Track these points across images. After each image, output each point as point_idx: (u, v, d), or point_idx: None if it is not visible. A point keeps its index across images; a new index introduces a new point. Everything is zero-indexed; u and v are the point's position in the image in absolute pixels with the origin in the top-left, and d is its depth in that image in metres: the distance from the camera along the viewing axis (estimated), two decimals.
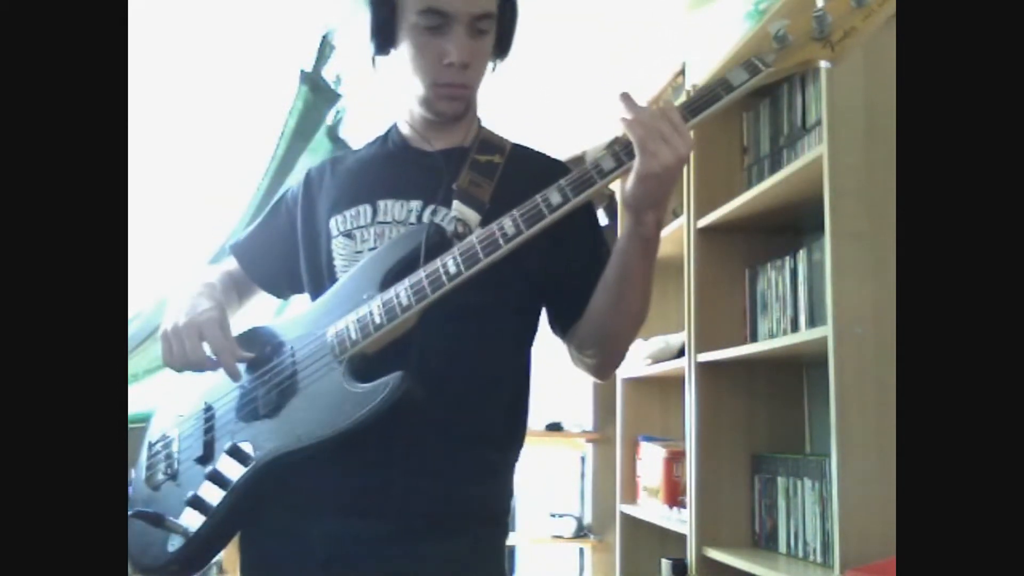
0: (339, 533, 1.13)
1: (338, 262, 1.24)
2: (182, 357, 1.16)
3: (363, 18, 1.23)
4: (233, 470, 1.12)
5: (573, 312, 1.22)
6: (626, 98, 1.06)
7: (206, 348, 1.16)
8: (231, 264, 1.41)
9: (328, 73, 3.15)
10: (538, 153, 1.33)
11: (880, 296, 1.67)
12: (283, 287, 1.39)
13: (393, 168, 1.28)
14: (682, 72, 3.34)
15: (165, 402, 1.35)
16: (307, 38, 2.92)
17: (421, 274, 1.10)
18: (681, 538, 2.38)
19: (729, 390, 2.31)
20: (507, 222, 1.07)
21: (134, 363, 3.04)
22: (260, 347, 1.23)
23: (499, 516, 1.23)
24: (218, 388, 1.23)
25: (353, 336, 1.13)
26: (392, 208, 1.23)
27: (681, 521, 2.42)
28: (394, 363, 1.09)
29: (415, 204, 1.22)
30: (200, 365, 1.16)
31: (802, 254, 2.01)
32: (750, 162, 2.35)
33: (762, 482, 2.20)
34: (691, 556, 2.28)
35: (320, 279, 1.26)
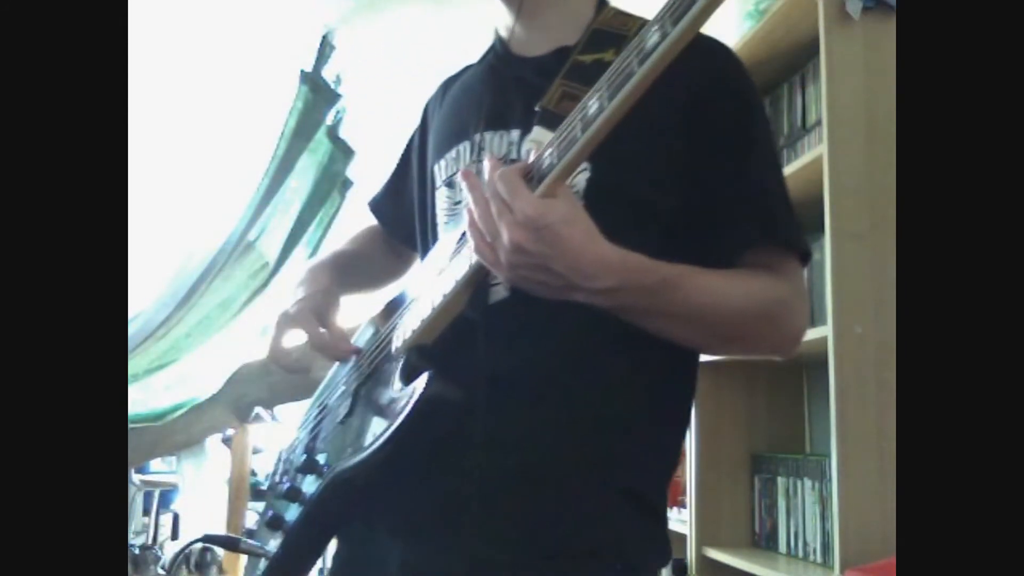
0: (413, 557, 0.90)
1: (440, 219, 1.01)
2: (272, 351, 1.01)
3: None
4: (309, 486, 0.95)
5: (720, 261, 0.89)
6: (467, 177, 0.81)
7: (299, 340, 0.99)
8: None
9: (328, 73, 3.15)
10: None
11: (880, 296, 1.67)
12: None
13: (492, 88, 1.02)
14: None
15: (320, 390, 1.15)
16: (307, 38, 2.92)
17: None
18: (681, 538, 2.37)
19: (729, 390, 2.31)
20: (547, 151, 0.77)
21: (134, 363, 3.04)
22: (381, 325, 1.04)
23: (631, 542, 0.90)
24: (330, 384, 1.07)
25: (412, 325, 0.91)
26: (492, 142, 0.97)
27: (681, 521, 2.42)
28: (460, 357, 0.87)
29: (515, 134, 0.96)
30: (291, 364, 1.00)
31: None
32: None
33: (762, 482, 2.20)
34: (691, 556, 2.27)
35: (427, 243, 1.03)
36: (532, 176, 0.78)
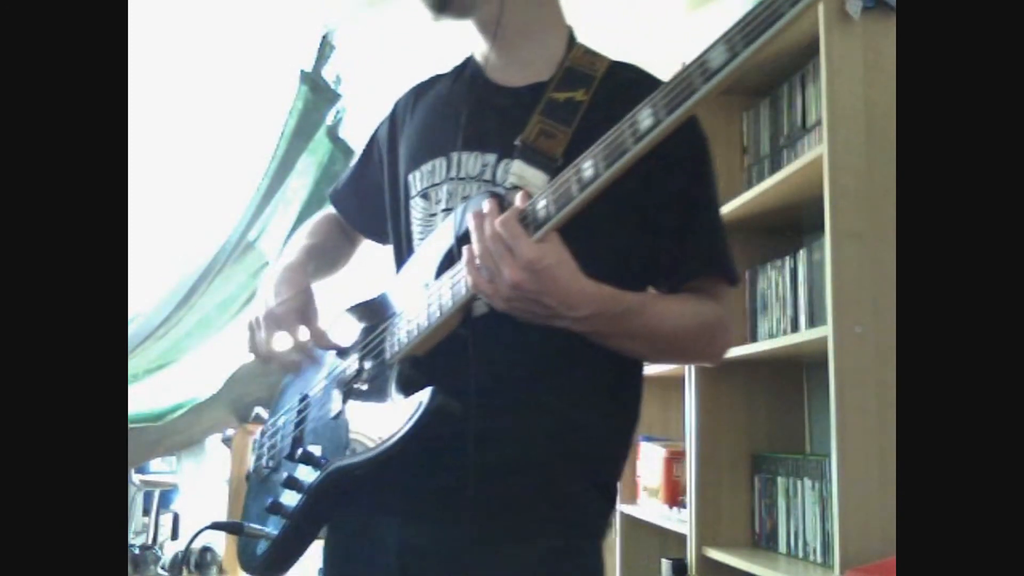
0: (415, 538, 1.02)
1: (415, 227, 1.10)
2: (261, 350, 1.10)
3: None
4: (307, 475, 1.05)
5: (669, 286, 1.04)
6: (476, 217, 0.90)
7: (286, 340, 1.09)
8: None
9: (328, 73, 3.15)
10: (641, 76, 1.09)
11: (880, 296, 1.67)
12: (386, 234, 1.23)
13: (468, 110, 1.09)
14: None
15: (293, 381, 1.25)
16: (307, 38, 2.92)
17: (463, 263, 0.93)
18: (681, 538, 2.37)
19: (729, 390, 2.31)
20: (542, 201, 0.88)
21: (134, 363, 3.05)
22: (365, 324, 1.12)
23: (592, 519, 1.06)
24: (314, 376, 1.16)
25: (401, 337, 1.01)
26: (467, 162, 1.06)
27: (681, 521, 2.42)
28: (448, 367, 0.98)
29: (490, 157, 1.05)
30: (277, 359, 1.09)
31: (802, 254, 2.01)
32: (750, 162, 2.35)
33: (762, 482, 2.20)
34: (691, 556, 2.28)
35: (400, 249, 1.13)
36: (528, 221, 0.89)
